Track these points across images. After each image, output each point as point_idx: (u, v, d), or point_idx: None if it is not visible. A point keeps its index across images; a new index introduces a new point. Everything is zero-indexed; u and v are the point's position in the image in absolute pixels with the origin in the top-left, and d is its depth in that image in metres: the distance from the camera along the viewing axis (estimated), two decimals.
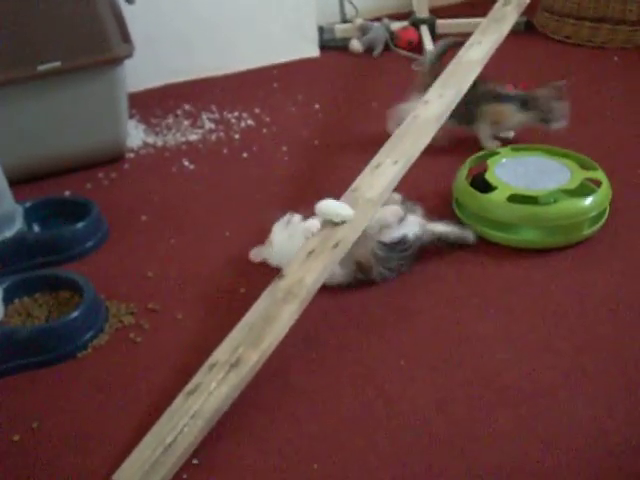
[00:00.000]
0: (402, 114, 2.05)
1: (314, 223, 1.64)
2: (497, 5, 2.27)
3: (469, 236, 1.81)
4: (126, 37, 2.23)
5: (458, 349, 1.53)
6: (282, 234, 1.76)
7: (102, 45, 2.13)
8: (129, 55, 2.21)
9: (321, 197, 1.92)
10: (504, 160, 1.95)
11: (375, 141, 2.36)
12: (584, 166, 1.94)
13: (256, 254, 1.81)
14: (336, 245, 1.54)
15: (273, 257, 1.77)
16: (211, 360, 1.38)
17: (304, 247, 1.56)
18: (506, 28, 2.18)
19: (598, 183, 1.88)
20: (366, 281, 1.70)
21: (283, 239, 1.75)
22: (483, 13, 3.31)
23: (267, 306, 1.45)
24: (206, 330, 1.62)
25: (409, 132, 1.85)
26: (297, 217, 1.77)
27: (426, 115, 1.90)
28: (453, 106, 1.96)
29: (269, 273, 1.75)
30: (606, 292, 1.66)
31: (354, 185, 1.71)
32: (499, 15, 2.24)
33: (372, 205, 1.63)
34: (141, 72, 2.77)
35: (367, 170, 1.75)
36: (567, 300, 1.65)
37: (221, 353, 1.39)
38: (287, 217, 1.79)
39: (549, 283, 1.70)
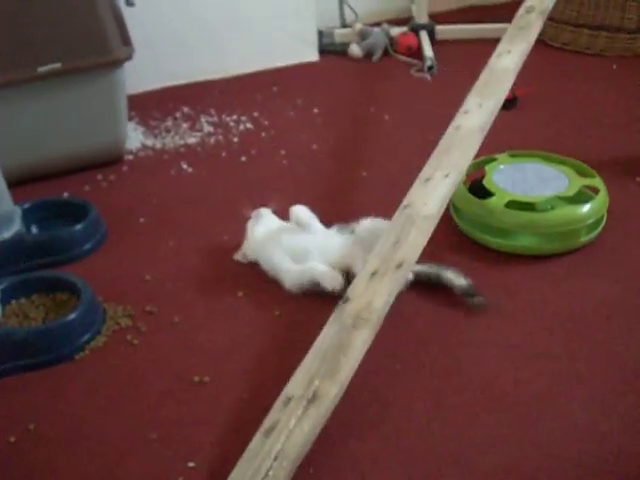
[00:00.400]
0: None
1: (301, 212, 1.74)
2: (520, 13, 2.26)
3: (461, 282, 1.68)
4: (126, 39, 2.23)
5: (455, 354, 1.53)
6: (256, 229, 1.80)
7: (102, 47, 2.14)
8: (129, 57, 2.21)
9: (321, 201, 1.94)
10: (502, 166, 1.96)
11: (373, 146, 2.39)
12: (582, 173, 1.94)
13: (239, 254, 1.83)
14: (399, 265, 1.48)
15: (250, 252, 1.80)
16: (285, 395, 1.30)
17: (365, 268, 1.50)
18: (533, 36, 2.16)
19: (596, 190, 1.89)
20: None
21: (258, 233, 1.79)
22: (482, 19, 3.35)
23: (337, 333, 1.37)
24: (203, 333, 1.62)
25: (454, 143, 1.80)
26: (266, 210, 1.83)
27: (469, 125, 1.85)
28: (494, 115, 1.90)
29: (268, 279, 1.76)
30: (603, 299, 1.67)
31: (406, 201, 1.64)
32: (523, 23, 2.22)
33: (430, 222, 1.58)
34: (141, 74, 2.77)
35: (417, 184, 1.69)
36: (564, 306, 1.65)
37: (295, 387, 1.30)
38: (257, 212, 1.83)
39: (546, 289, 1.70)
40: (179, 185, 2.23)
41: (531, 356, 1.51)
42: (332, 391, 1.28)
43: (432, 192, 1.65)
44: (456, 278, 1.68)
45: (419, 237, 1.55)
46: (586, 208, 1.81)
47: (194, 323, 1.66)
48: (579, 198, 1.85)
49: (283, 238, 1.75)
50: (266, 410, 1.37)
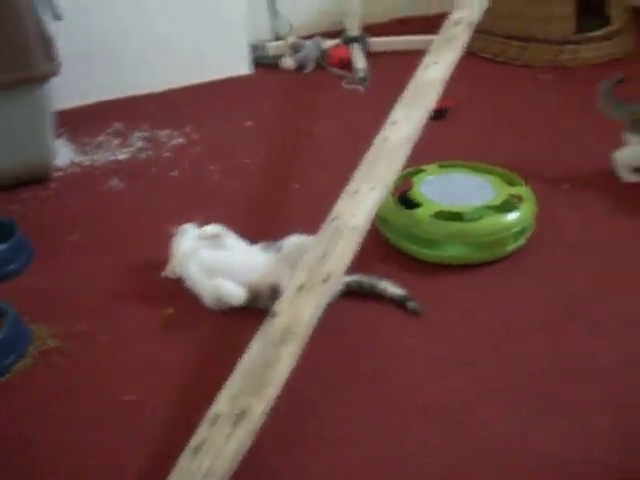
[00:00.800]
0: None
1: (209, 228, 1.75)
2: (447, 24, 2.29)
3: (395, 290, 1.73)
4: (52, 55, 2.19)
5: (384, 364, 1.54)
6: (181, 245, 1.79)
7: (26, 63, 2.09)
8: (54, 74, 2.18)
9: (251, 215, 1.94)
10: (430, 177, 1.98)
11: (305, 159, 2.39)
12: (509, 182, 1.98)
13: (167, 270, 1.82)
14: (326, 279, 1.48)
15: (176, 268, 1.79)
16: (213, 412, 1.27)
17: (292, 282, 1.49)
18: (459, 47, 2.19)
19: (523, 199, 1.92)
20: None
21: (183, 249, 1.78)
22: (415, 31, 3.39)
23: (264, 348, 1.36)
24: (132, 352, 1.60)
25: (381, 156, 1.80)
26: (191, 226, 1.83)
27: (396, 137, 1.85)
28: (422, 126, 1.92)
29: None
30: (529, 306, 1.70)
31: (334, 213, 1.64)
32: (450, 35, 2.26)
33: (357, 234, 1.59)
34: (71, 90, 2.74)
35: (345, 197, 1.69)
36: (492, 315, 1.67)
37: (222, 404, 1.28)
38: (182, 228, 1.83)
39: (474, 298, 1.72)
40: (109, 202, 2.20)
41: (458, 365, 1.53)
42: (259, 407, 1.27)
43: (359, 204, 1.66)
44: (391, 286, 1.71)
45: (346, 249, 1.55)
46: (513, 217, 1.84)
47: (122, 341, 1.64)
48: (506, 207, 1.88)
49: (202, 254, 1.75)
50: (194, 427, 1.36)
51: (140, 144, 2.54)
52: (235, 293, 1.68)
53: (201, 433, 1.25)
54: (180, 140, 2.55)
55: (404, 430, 1.38)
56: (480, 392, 1.46)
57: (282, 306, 1.44)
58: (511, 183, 1.97)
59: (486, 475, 1.29)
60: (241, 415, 1.25)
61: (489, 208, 1.88)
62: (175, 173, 2.34)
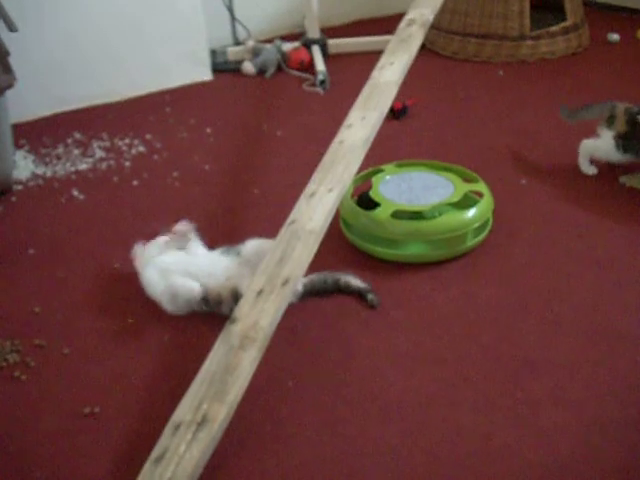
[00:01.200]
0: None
1: (179, 225, 1.77)
2: (401, 26, 2.30)
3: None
4: (7, 67, 2.18)
5: (345, 366, 1.54)
6: (142, 259, 1.78)
7: None
8: (10, 85, 2.16)
9: (212, 222, 1.94)
10: (388, 177, 1.99)
11: (266, 163, 2.40)
12: (467, 179, 1.99)
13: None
14: (285, 282, 1.48)
15: (141, 283, 1.77)
16: (174, 420, 1.27)
17: (251, 287, 1.49)
18: (415, 47, 2.20)
19: (481, 195, 1.94)
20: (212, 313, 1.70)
21: (141, 257, 1.78)
22: (373, 32, 3.41)
23: (224, 355, 1.36)
24: (94, 363, 1.59)
25: (337, 158, 1.81)
26: (150, 243, 1.81)
27: (352, 140, 1.86)
28: (378, 128, 1.93)
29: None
30: (489, 301, 1.71)
31: (291, 217, 1.64)
32: (405, 35, 2.27)
33: (315, 236, 1.59)
34: (30, 101, 2.73)
35: (302, 200, 1.69)
36: (452, 311, 1.69)
37: (184, 412, 1.28)
38: (139, 246, 1.81)
39: (434, 296, 1.74)
40: (70, 213, 2.19)
41: (420, 363, 1.54)
42: (221, 413, 1.27)
43: (317, 207, 1.66)
44: (353, 279, 1.74)
45: (304, 252, 1.56)
46: (471, 213, 1.85)
47: (84, 354, 1.63)
48: (465, 203, 1.90)
49: (161, 259, 1.74)
50: (157, 437, 1.36)
51: (101, 154, 2.52)
52: (189, 286, 1.68)
53: (162, 442, 1.25)
54: (141, 149, 2.54)
55: (363, 430, 1.39)
56: (440, 389, 1.47)
57: (242, 311, 1.44)
58: (468, 180, 1.99)
59: (442, 472, 1.30)
60: (203, 422, 1.26)
61: (448, 205, 1.90)
62: (136, 182, 2.33)
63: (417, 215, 1.85)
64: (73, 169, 2.44)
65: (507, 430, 1.37)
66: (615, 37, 3.39)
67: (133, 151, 2.53)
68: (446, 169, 2.04)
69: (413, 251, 1.85)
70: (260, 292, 1.47)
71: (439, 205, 1.88)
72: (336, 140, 1.86)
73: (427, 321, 1.66)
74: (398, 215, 1.84)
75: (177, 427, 1.27)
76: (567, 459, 1.31)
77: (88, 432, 1.42)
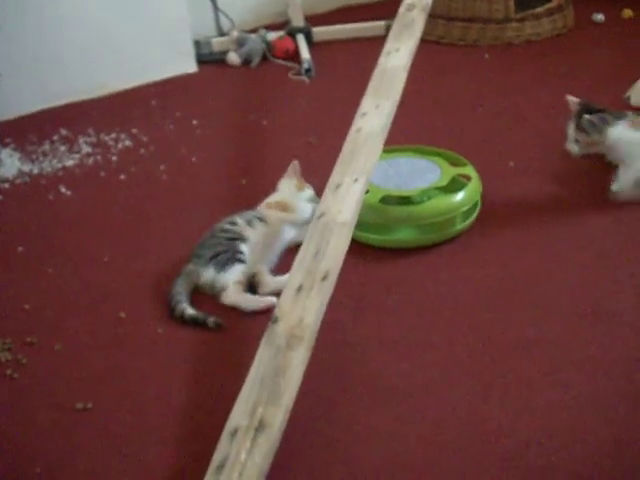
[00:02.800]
0: None
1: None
2: (401, 11, 2.28)
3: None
4: None
5: (336, 353, 1.54)
6: None
7: None
8: None
9: (200, 212, 1.93)
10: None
11: (253, 153, 2.39)
12: (454, 163, 1.99)
13: None
14: (325, 277, 1.43)
15: None
16: (229, 427, 1.22)
17: (289, 284, 1.44)
18: (418, 32, 2.18)
19: (469, 178, 1.93)
20: None
21: None
22: (358, 18, 3.39)
23: (272, 357, 1.30)
24: (86, 359, 1.59)
25: (358, 148, 1.76)
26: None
27: (369, 128, 1.82)
28: (393, 114, 1.89)
29: (150, 297, 1.74)
30: (480, 284, 1.71)
31: (320, 211, 1.60)
32: (408, 20, 2.25)
33: (348, 228, 1.56)
34: (15, 99, 2.72)
35: (328, 192, 1.65)
36: (443, 295, 1.69)
37: (239, 417, 1.23)
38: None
39: (425, 281, 1.74)
40: (57, 210, 2.18)
41: (412, 347, 1.54)
42: (278, 417, 1.23)
43: (344, 198, 1.62)
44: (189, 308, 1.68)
45: (340, 244, 1.51)
46: (459, 196, 1.85)
47: (76, 349, 1.62)
48: (453, 187, 1.89)
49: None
50: (151, 430, 1.36)
51: (87, 149, 2.51)
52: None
53: (221, 449, 1.20)
54: (127, 143, 2.53)
55: (356, 417, 1.39)
56: (433, 373, 1.47)
57: (283, 309, 1.39)
58: (456, 163, 1.99)
59: (436, 456, 1.30)
60: (261, 426, 1.21)
61: (436, 189, 1.89)
62: (123, 176, 2.32)
63: (406, 200, 1.85)
64: (60, 165, 2.43)
65: (500, 412, 1.37)
66: (600, 17, 3.38)
67: (120, 145, 2.52)
68: (434, 153, 2.04)
69: (402, 236, 1.84)
70: (299, 288, 1.42)
71: (427, 189, 1.88)
72: (353, 128, 1.82)
73: (418, 306, 1.66)
74: (387, 200, 1.84)
75: (234, 434, 1.21)
76: (561, 438, 1.31)
77: (82, 427, 1.42)
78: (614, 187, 1.95)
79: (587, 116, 1.96)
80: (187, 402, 1.46)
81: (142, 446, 1.36)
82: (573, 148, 2.02)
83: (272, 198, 1.96)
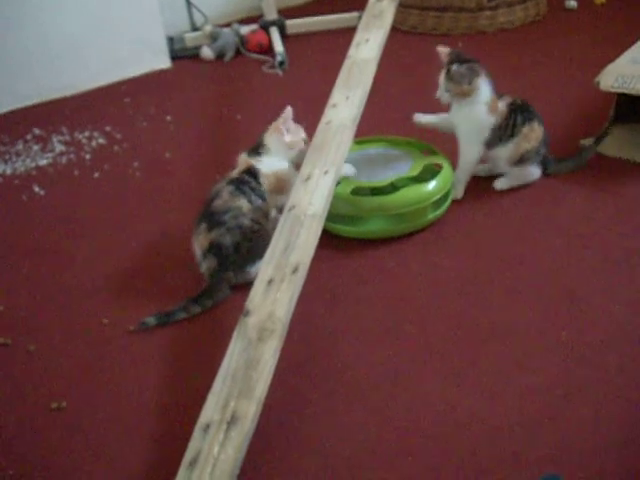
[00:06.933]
0: None
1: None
2: (371, 2, 2.28)
3: None
4: None
5: (307, 345, 1.55)
6: None
7: None
8: None
9: (174, 207, 1.92)
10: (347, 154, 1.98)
11: (227, 148, 2.38)
12: (426, 152, 1.99)
13: None
14: (295, 270, 1.44)
15: None
16: (202, 422, 1.23)
17: (259, 277, 1.45)
18: (388, 22, 2.18)
19: (441, 167, 1.93)
20: None
21: None
22: (331, 11, 3.39)
23: (243, 350, 1.32)
24: (60, 359, 1.59)
25: (328, 139, 1.77)
26: None
27: (339, 119, 1.83)
28: (363, 106, 1.89)
29: (124, 296, 1.74)
30: (452, 272, 1.72)
31: (290, 203, 1.60)
32: (376, 11, 2.24)
33: (318, 220, 1.55)
34: None
35: (298, 184, 1.65)
36: (415, 285, 1.69)
37: (211, 412, 1.23)
38: None
39: (398, 270, 1.74)
40: (31, 210, 2.17)
41: (385, 337, 1.55)
42: (251, 409, 1.23)
43: (315, 191, 1.62)
44: None
45: (310, 237, 1.51)
46: (431, 186, 1.85)
47: (50, 350, 1.62)
48: (424, 177, 1.89)
49: None
50: (125, 428, 1.36)
51: (61, 148, 2.50)
52: None
53: (194, 445, 1.21)
54: (101, 141, 2.52)
55: (330, 410, 1.40)
56: (406, 362, 1.48)
57: (254, 303, 1.40)
58: (429, 153, 1.99)
59: (410, 445, 1.31)
60: (233, 420, 1.22)
61: (407, 179, 1.89)
62: (97, 174, 2.31)
63: (377, 190, 1.85)
64: (33, 165, 2.41)
65: (473, 398, 1.38)
66: (572, 3, 3.39)
67: (93, 143, 2.51)
68: (405, 143, 2.04)
69: (374, 227, 1.85)
70: (270, 281, 1.43)
71: (398, 179, 1.88)
72: (323, 120, 1.83)
73: (390, 295, 1.67)
74: (358, 192, 1.84)
75: (206, 428, 1.22)
76: (533, 423, 1.32)
77: (56, 427, 1.42)
78: None
79: (456, 66, 1.98)
80: (161, 399, 1.46)
81: (117, 444, 1.37)
82: (443, 96, 2.04)
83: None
